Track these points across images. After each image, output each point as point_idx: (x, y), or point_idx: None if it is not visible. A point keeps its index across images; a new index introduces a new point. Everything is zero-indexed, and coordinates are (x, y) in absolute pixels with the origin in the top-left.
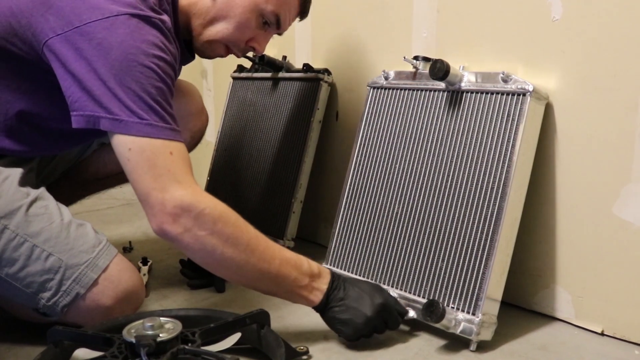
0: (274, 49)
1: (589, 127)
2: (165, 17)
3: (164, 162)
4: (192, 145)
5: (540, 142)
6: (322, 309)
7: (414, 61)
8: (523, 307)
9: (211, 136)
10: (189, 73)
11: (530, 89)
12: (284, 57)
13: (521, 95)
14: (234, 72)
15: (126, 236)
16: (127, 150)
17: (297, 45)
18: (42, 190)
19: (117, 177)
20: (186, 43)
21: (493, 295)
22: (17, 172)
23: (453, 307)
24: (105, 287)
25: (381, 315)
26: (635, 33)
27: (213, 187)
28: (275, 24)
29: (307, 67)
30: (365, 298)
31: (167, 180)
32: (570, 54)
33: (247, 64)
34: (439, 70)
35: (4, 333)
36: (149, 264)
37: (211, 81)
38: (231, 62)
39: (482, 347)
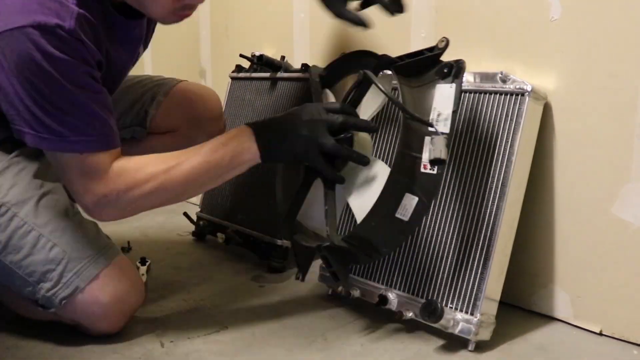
0: (272, 48)
1: (588, 127)
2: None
3: (74, 167)
4: None
5: (538, 142)
6: (264, 156)
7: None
8: (521, 307)
9: None
10: (187, 72)
11: (529, 89)
12: (283, 57)
13: (520, 96)
14: (232, 72)
15: (125, 236)
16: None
17: (295, 45)
18: (57, 185)
19: None
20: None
21: (491, 295)
22: (34, 165)
23: (452, 307)
24: (105, 284)
25: (311, 123)
26: (634, 33)
27: None
28: None
29: (305, 67)
30: (292, 118)
31: (82, 185)
32: (569, 53)
33: (246, 64)
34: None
35: (2, 333)
36: (147, 264)
37: (209, 81)
38: (230, 62)
39: (481, 347)
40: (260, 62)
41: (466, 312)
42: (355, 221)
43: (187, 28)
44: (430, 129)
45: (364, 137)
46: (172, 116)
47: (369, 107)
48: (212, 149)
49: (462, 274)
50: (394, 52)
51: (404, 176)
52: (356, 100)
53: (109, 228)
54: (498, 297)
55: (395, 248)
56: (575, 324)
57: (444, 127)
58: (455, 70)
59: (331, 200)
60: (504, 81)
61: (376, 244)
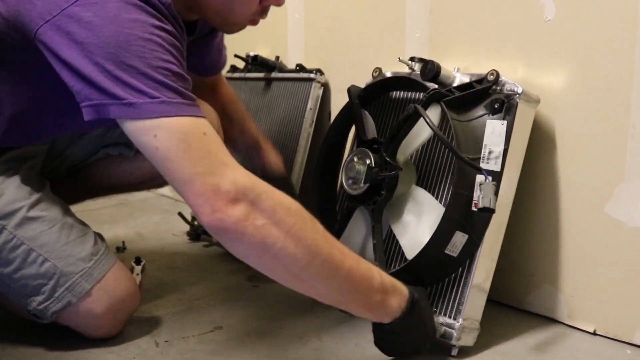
0: (266, 49)
1: (582, 127)
2: None
3: (199, 143)
4: None
5: (533, 142)
6: (386, 327)
7: (410, 62)
8: (516, 307)
9: None
10: None
11: (520, 91)
12: (277, 57)
13: (510, 98)
14: (227, 72)
15: (119, 236)
16: (153, 137)
17: (290, 45)
18: (46, 192)
19: (122, 189)
20: (185, 24)
21: (476, 300)
22: (21, 169)
23: (435, 311)
24: (99, 297)
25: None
26: (628, 33)
27: None
28: None
29: (300, 67)
30: (423, 338)
31: (212, 163)
32: (563, 54)
33: (240, 64)
34: (430, 71)
35: None
36: (142, 264)
37: None
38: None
39: (476, 347)
40: (255, 62)
41: (449, 317)
42: (399, 253)
43: None
44: (479, 175)
45: (409, 166)
46: None
47: (412, 141)
48: (365, 276)
49: (446, 277)
50: (389, 52)
51: (457, 215)
52: (404, 134)
53: (103, 228)
54: (483, 303)
55: (442, 281)
56: (569, 323)
57: (495, 165)
58: (506, 106)
59: (379, 234)
60: (495, 83)
61: (423, 277)
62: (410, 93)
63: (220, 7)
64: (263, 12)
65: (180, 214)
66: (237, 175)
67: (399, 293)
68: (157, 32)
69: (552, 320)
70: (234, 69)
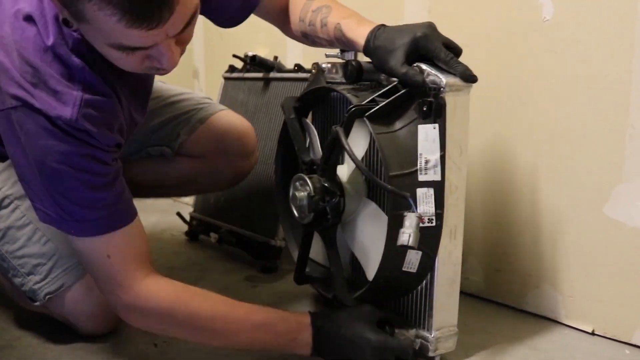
0: (265, 49)
1: (580, 128)
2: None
3: (101, 267)
4: (233, 182)
5: (529, 142)
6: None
7: (341, 55)
8: (514, 307)
9: None
10: (180, 73)
11: (443, 84)
12: (276, 58)
13: (437, 96)
14: (226, 72)
15: None
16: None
17: (288, 45)
18: None
19: (156, 190)
20: None
21: (446, 307)
22: None
23: (411, 322)
24: (92, 285)
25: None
26: (627, 33)
27: None
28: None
29: (298, 67)
30: (358, 342)
31: (109, 286)
32: (562, 54)
33: (239, 64)
34: (351, 73)
35: None
36: None
37: (203, 81)
38: (223, 62)
39: (472, 347)
40: (254, 62)
41: (424, 328)
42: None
43: None
44: (407, 202)
45: (356, 178)
46: (202, 144)
47: (349, 159)
48: (265, 329)
49: (412, 290)
50: None
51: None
52: (336, 157)
53: None
54: (456, 306)
55: (410, 292)
56: (567, 323)
57: (434, 174)
58: (435, 107)
59: (335, 260)
60: (423, 83)
61: (389, 294)
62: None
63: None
64: (152, 70)
65: (178, 214)
66: (126, 297)
67: (304, 327)
68: (65, 160)
69: (551, 320)
70: (232, 69)
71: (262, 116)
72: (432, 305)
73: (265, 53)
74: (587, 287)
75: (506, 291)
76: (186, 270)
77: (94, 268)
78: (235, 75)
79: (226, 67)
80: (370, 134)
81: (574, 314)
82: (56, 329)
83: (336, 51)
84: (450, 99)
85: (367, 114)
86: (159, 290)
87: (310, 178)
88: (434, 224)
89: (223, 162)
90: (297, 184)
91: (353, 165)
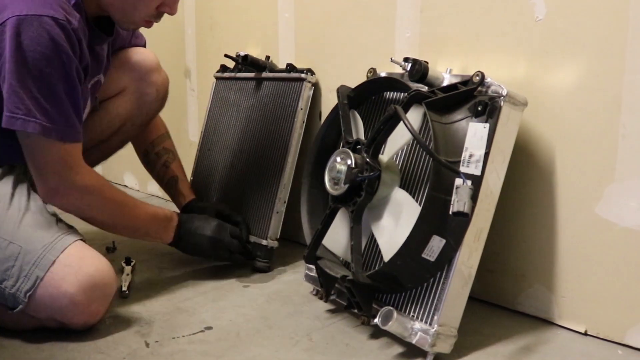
0: (257, 48)
1: (573, 127)
2: (60, 13)
3: (55, 154)
4: (159, 100)
5: (524, 142)
6: (175, 243)
7: (403, 63)
8: (507, 308)
9: (194, 136)
10: (172, 73)
11: (504, 93)
12: (267, 57)
13: (495, 100)
14: (217, 72)
15: (110, 236)
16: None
17: (280, 45)
18: (6, 177)
19: (104, 149)
20: (100, 22)
21: (453, 306)
22: None
23: (413, 316)
24: (66, 273)
25: (220, 234)
26: (619, 33)
27: (196, 186)
28: None
29: (290, 67)
30: (204, 226)
31: (60, 168)
32: (554, 54)
33: (231, 64)
34: (417, 72)
35: None
36: (132, 263)
37: (194, 81)
38: (214, 62)
39: (465, 347)
40: (245, 62)
41: (425, 322)
42: (380, 255)
43: (173, 27)
44: (457, 178)
45: (392, 168)
46: (115, 78)
47: (396, 141)
48: (152, 217)
49: (423, 282)
50: (379, 51)
51: (434, 218)
52: (385, 135)
53: (93, 228)
54: (461, 310)
55: (420, 285)
56: (560, 324)
57: (475, 169)
58: (490, 109)
59: (357, 235)
60: (480, 84)
61: (401, 280)
62: (403, 94)
63: (123, 3)
64: (158, 16)
65: None
66: (76, 177)
67: (174, 218)
68: (42, 59)
69: (543, 321)
70: (224, 68)
71: (254, 116)
72: (442, 298)
73: (257, 53)
74: (580, 287)
75: (499, 292)
76: (178, 270)
77: (46, 158)
78: (226, 75)
79: (218, 67)
80: (424, 122)
81: (566, 314)
82: (47, 330)
83: (400, 58)
84: (506, 108)
85: (426, 101)
86: (94, 175)
87: (353, 152)
88: (465, 209)
89: (140, 83)
90: (339, 157)
91: (390, 156)
